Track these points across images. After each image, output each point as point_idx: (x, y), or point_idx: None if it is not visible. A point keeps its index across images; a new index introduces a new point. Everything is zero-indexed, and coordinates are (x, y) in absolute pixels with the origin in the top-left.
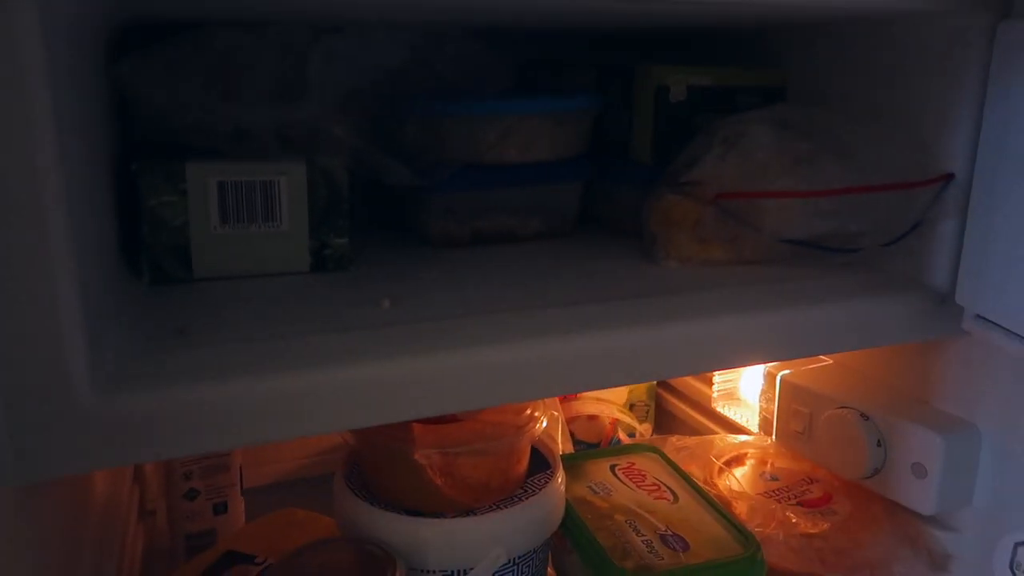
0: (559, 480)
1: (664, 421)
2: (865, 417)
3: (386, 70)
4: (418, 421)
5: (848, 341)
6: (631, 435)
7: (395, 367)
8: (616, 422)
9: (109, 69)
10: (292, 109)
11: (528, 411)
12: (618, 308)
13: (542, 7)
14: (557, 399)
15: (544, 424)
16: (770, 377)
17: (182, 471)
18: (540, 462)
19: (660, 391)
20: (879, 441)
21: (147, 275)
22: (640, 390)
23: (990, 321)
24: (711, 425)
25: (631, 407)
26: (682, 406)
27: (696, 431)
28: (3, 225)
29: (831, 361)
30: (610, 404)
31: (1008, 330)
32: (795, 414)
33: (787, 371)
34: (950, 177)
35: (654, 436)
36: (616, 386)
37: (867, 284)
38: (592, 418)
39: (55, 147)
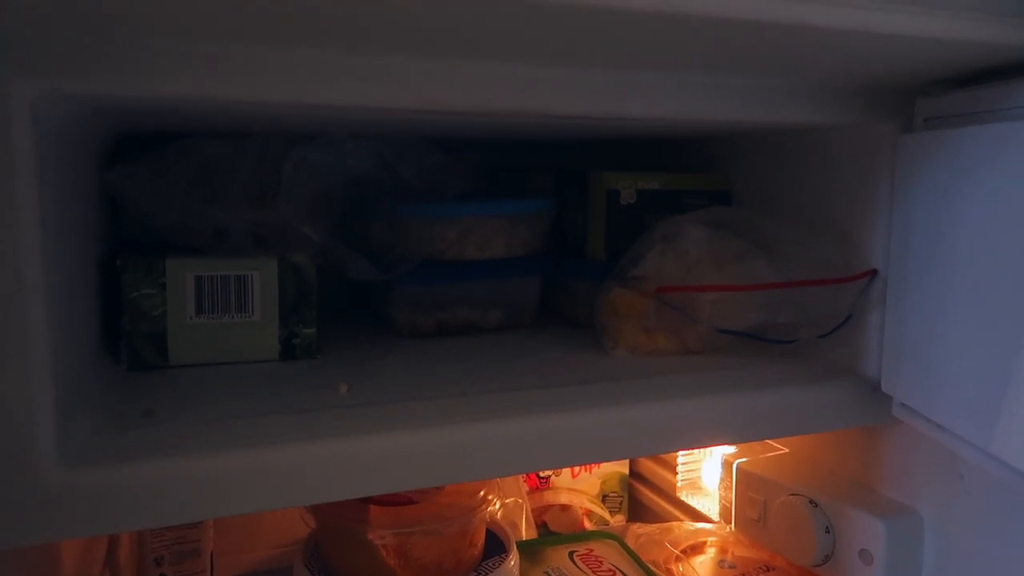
0: (512, 563)
1: (637, 511)
2: (814, 504)
3: (354, 175)
4: (375, 503)
5: (785, 427)
6: (604, 526)
7: (343, 446)
8: (588, 513)
9: (102, 175)
10: (266, 211)
11: (481, 493)
12: (565, 393)
13: (477, 125)
14: (523, 488)
15: (497, 507)
16: (727, 465)
17: (153, 556)
18: (496, 545)
19: (632, 482)
20: (827, 528)
21: (125, 362)
22: (613, 481)
23: (912, 409)
24: (679, 514)
25: (604, 498)
26: (652, 496)
27: (664, 520)
28: None
29: (786, 450)
30: (582, 495)
31: (926, 417)
32: (750, 502)
33: (744, 459)
34: (873, 273)
35: (618, 524)
36: (563, 467)
37: (804, 373)
38: (565, 508)
39: (38, 246)
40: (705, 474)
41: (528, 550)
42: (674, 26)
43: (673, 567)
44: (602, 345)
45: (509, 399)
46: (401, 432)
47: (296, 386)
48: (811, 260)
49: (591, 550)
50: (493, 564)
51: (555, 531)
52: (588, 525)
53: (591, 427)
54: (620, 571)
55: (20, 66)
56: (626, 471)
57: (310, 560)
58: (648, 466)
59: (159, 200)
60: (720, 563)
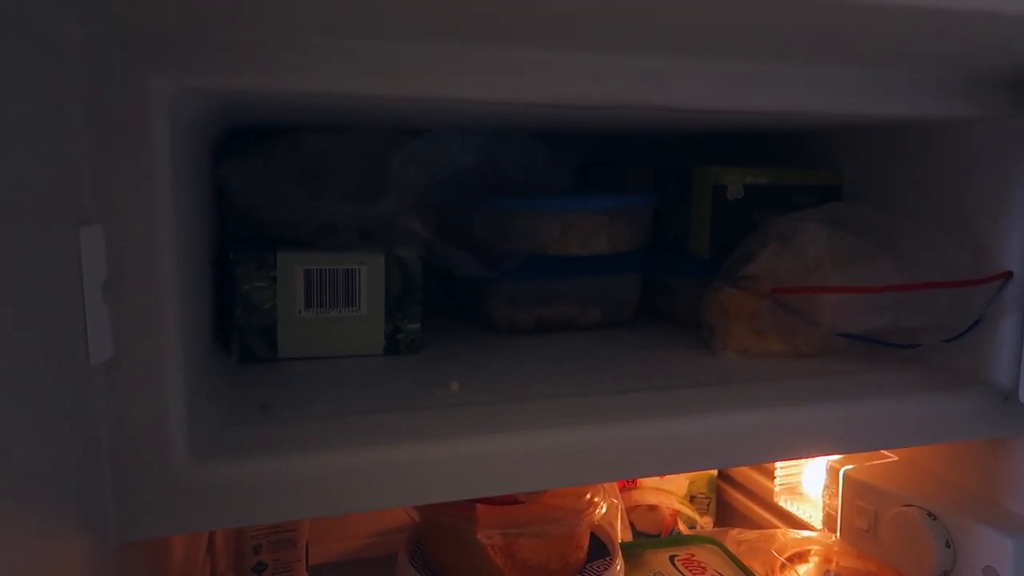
0: (618, 567)
1: (725, 514)
2: (932, 516)
3: (458, 170)
4: (482, 503)
5: (908, 437)
6: (691, 527)
7: (461, 446)
8: (677, 513)
9: (212, 170)
10: (372, 205)
11: (588, 496)
12: (677, 396)
13: (580, 118)
14: (617, 488)
15: (604, 510)
16: (833, 472)
17: (252, 544)
18: (600, 549)
19: (721, 483)
20: (948, 542)
21: (236, 354)
22: (701, 482)
23: None
24: (773, 520)
25: (692, 499)
26: (743, 499)
27: (757, 525)
28: (128, 311)
29: (896, 457)
30: (670, 495)
31: None
32: (859, 511)
33: (850, 466)
34: (1008, 275)
35: (715, 528)
36: (673, 473)
37: (928, 380)
38: (652, 508)
39: (173, 241)
40: (806, 479)
41: (628, 553)
42: (849, 14)
43: (778, 575)
44: (708, 345)
45: (622, 401)
46: (515, 434)
47: (404, 382)
48: (937, 261)
49: (692, 555)
50: (599, 567)
51: (642, 531)
52: (679, 526)
53: (710, 433)
54: None
55: (159, 63)
56: (714, 473)
57: (413, 555)
58: (740, 468)
59: (267, 194)
60: (825, 573)
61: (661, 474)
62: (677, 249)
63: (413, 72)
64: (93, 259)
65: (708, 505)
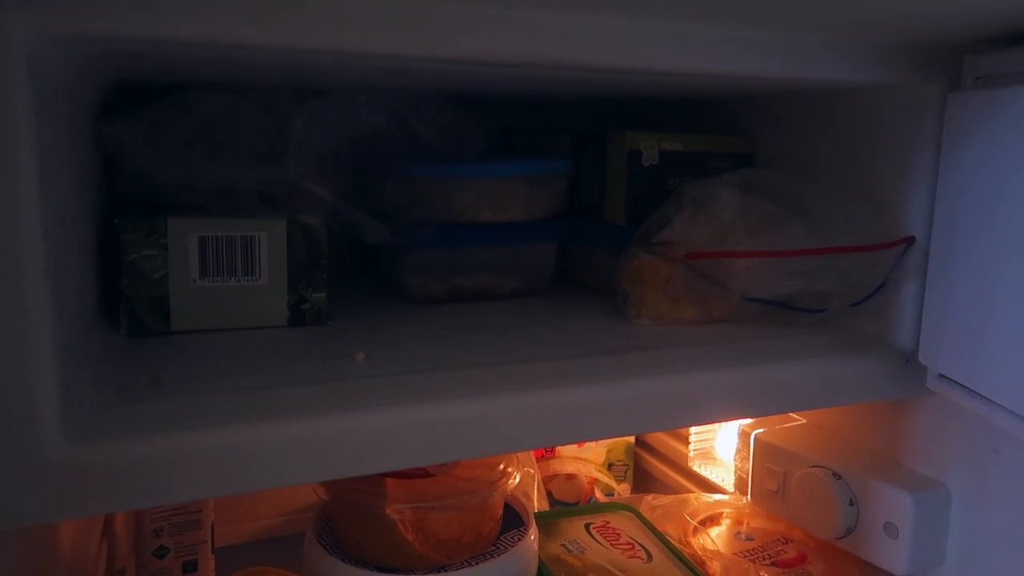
0: (532, 537)
1: (643, 481)
2: (837, 476)
3: (366, 132)
4: (391, 476)
5: (815, 399)
6: (609, 495)
7: (365, 419)
8: (594, 482)
9: (96, 128)
10: (274, 168)
11: (501, 466)
12: (589, 364)
13: (494, 79)
14: (534, 457)
15: (517, 480)
16: (744, 436)
17: (152, 527)
18: (514, 519)
19: (638, 450)
20: (851, 500)
21: (125, 327)
22: (619, 449)
23: (952, 380)
24: (689, 485)
25: (610, 467)
26: (660, 466)
27: (674, 491)
28: None
29: (805, 420)
30: (588, 463)
31: (968, 389)
32: (769, 473)
33: (761, 430)
34: (911, 240)
35: (630, 495)
36: (587, 440)
37: (834, 343)
38: (570, 477)
39: (36, 204)
40: (719, 444)
41: (543, 522)
42: None
43: (691, 539)
44: (623, 313)
45: (535, 369)
46: (425, 404)
47: (308, 354)
48: (848, 226)
49: (607, 522)
50: (513, 539)
51: (560, 500)
52: (597, 494)
53: (624, 399)
54: (638, 543)
55: (18, 3)
56: (632, 440)
57: (321, 534)
58: (656, 435)
59: (159, 156)
60: (737, 535)
61: (576, 442)
62: (593, 216)
63: (308, 19)
64: None
65: (626, 472)
